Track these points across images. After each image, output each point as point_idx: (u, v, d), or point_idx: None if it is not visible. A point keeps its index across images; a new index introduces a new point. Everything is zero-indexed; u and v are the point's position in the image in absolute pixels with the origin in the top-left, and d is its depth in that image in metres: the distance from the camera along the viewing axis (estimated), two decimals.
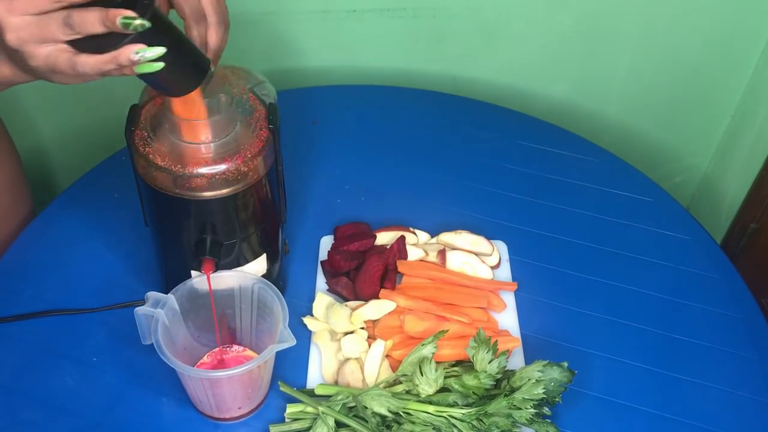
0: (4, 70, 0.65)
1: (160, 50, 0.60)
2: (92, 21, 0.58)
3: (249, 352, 0.86)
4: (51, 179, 1.54)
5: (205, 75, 0.70)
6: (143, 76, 0.64)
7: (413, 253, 0.98)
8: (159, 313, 0.76)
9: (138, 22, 0.58)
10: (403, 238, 0.98)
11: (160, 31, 0.61)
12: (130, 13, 0.58)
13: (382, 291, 0.92)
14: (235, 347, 0.87)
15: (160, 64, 0.61)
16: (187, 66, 0.68)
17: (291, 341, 0.74)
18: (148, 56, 0.60)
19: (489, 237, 1.01)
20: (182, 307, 0.80)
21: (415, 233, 1.01)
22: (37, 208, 1.10)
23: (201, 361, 0.85)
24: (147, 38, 0.60)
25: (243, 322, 0.85)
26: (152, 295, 0.77)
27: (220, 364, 0.85)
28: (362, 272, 0.93)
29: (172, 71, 0.65)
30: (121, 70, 0.61)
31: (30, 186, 1.13)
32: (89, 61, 0.59)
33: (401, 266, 0.96)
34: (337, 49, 1.42)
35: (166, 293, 0.78)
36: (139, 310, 0.77)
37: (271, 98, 0.81)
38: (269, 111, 0.79)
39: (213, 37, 0.72)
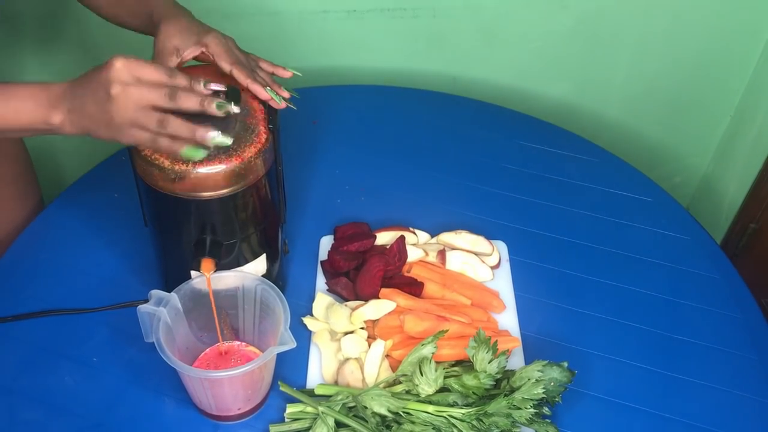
0: (57, 117, 0.70)
1: (228, 141, 0.71)
2: (193, 100, 0.70)
3: (252, 348, 0.86)
4: (60, 174, 1.53)
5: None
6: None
7: (413, 253, 0.98)
8: (161, 312, 0.76)
9: (232, 108, 0.71)
10: (402, 238, 0.98)
11: (232, 125, 0.75)
12: (224, 101, 0.71)
13: (382, 291, 0.92)
14: (237, 343, 0.87)
15: (203, 154, 0.71)
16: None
17: (291, 344, 0.74)
18: (217, 140, 0.70)
19: (489, 237, 1.01)
20: (185, 306, 0.80)
21: (415, 233, 1.01)
22: (47, 203, 1.10)
23: (203, 352, 0.85)
24: (219, 125, 0.71)
25: (246, 322, 0.85)
26: (155, 293, 0.78)
27: (221, 358, 0.85)
28: (363, 272, 0.93)
29: None
30: (169, 146, 0.70)
31: (39, 181, 1.13)
32: (178, 124, 0.69)
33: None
34: (337, 49, 1.42)
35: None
36: (142, 308, 0.77)
37: None
38: (269, 111, 0.79)
39: (280, 71, 0.86)
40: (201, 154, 0.71)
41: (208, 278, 0.79)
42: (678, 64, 1.46)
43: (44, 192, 1.16)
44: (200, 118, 0.71)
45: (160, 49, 0.83)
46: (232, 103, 0.71)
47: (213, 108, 0.70)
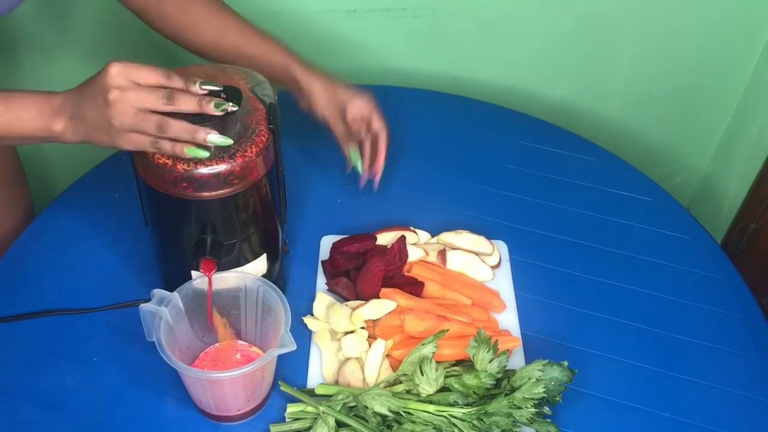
0: (59, 125, 0.71)
1: (229, 141, 0.72)
2: (191, 100, 0.69)
3: (254, 348, 0.86)
4: (51, 179, 1.54)
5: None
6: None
7: (413, 253, 0.98)
8: (163, 311, 0.76)
9: (230, 106, 0.71)
10: (403, 238, 0.97)
11: (232, 125, 0.75)
12: (222, 100, 0.71)
13: (383, 291, 0.92)
14: (239, 342, 0.86)
15: (207, 153, 0.71)
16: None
17: (292, 346, 0.74)
18: (217, 141, 0.71)
19: (489, 237, 1.01)
20: (187, 306, 0.80)
21: (416, 232, 1.01)
22: (38, 209, 1.10)
23: (204, 352, 0.85)
24: (219, 125, 0.71)
25: (247, 323, 0.85)
26: (157, 292, 0.78)
27: (223, 358, 0.85)
28: (363, 272, 0.93)
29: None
30: (171, 149, 0.71)
31: (29, 185, 1.13)
32: (177, 125, 0.69)
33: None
34: (337, 49, 1.42)
35: None
36: (144, 307, 0.77)
37: (271, 98, 0.81)
38: (269, 111, 0.79)
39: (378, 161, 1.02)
40: (205, 153, 0.71)
41: (209, 277, 0.79)
42: (678, 64, 1.47)
43: (34, 196, 1.15)
44: (200, 117, 0.71)
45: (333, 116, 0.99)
46: (230, 102, 0.71)
47: (211, 108, 0.70)
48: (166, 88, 0.69)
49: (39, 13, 1.31)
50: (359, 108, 0.99)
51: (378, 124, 1.00)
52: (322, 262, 0.98)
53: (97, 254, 0.99)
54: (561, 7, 1.38)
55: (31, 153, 1.47)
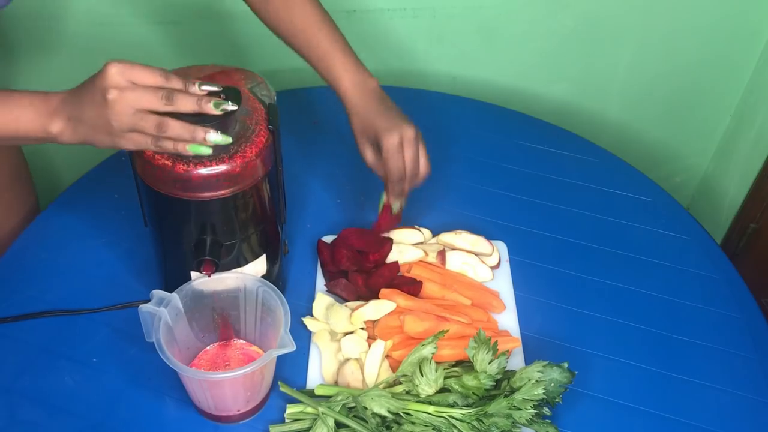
0: (56, 126, 0.70)
1: (229, 140, 0.71)
2: (190, 100, 0.69)
3: (254, 348, 0.86)
4: (55, 178, 1.54)
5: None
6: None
7: (413, 253, 0.98)
8: (162, 312, 0.76)
9: (229, 105, 0.70)
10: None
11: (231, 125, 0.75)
12: (221, 99, 0.71)
13: (382, 291, 0.92)
14: (239, 342, 0.86)
15: (209, 150, 0.71)
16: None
17: (291, 347, 0.74)
18: (217, 140, 0.70)
19: (489, 237, 1.01)
20: (186, 307, 0.80)
21: (420, 230, 1.01)
22: (42, 208, 1.10)
23: (204, 351, 0.86)
24: (218, 124, 0.71)
25: (247, 323, 0.85)
26: (157, 293, 0.78)
27: (222, 358, 0.85)
28: (381, 269, 0.94)
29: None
30: (174, 147, 0.70)
31: (35, 184, 1.13)
32: (176, 125, 0.69)
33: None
34: None
35: None
36: (143, 308, 0.77)
37: (271, 98, 0.81)
38: (269, 111, 0.79)
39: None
40: (207, 149, 0.71)
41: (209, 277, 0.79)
42: (678, 64, 1.47)
43: (40, 195, 1.15)
44: (199, 118, 0.71)
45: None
46: (230, 102, 0.71)
47: (210, 108, 0.70)
48: (164, 88, 0.69)
49: (36, 12, 1.31)
50: (390, 144, 0.89)
51: (411, 166, 0.90)
52: (322, 258, 0.98)
53: (97, 254, 0.99)
54: (561, 7, 1.38)
55: (36, 152, 1.47)
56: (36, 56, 1.37)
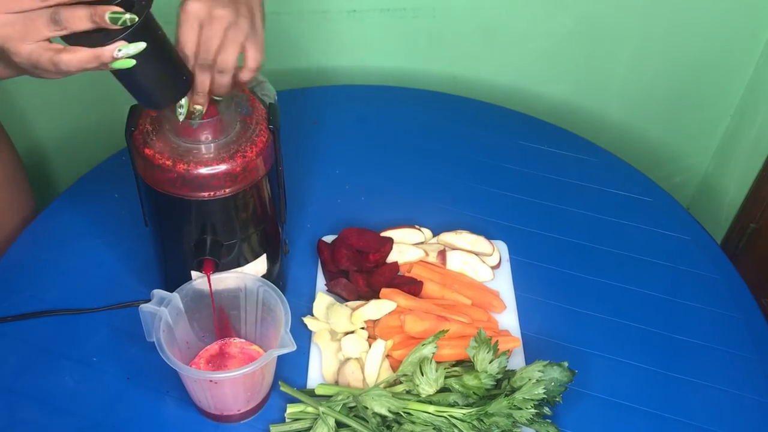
0: None
1: (141, 45, 0.60)
2: (80, 17, 0.58)
3: (254, 347, 0.86)
4: (51, 179, 1.54)
5: (186, 90, 0.69)
6: (122, 78, 0.64)
7: (413, 253, 0.98)
8: (162, 311, 0.76)
9: (127, 16, 0.58)
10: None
11: (145, 33, 0.61)
12: (118, 9, 0.58)
13: (383, 291, 0.92)
14: (239, 341, 0.86)
15: (133, 61, 0.60)
16: (167, 74, 0.66)
17: (291, 347, 0.74)
18: (129, 52, 0.59)
19: (489, 237, 1.01)
20: (187, 307, 0.80)
21: (421, 230, 1.01)
22: (39, 209, 1.10)
23: (204, 350, 0.86)
24: (131, 39, 0.60)
25: (248, 323, 0.85)
26: (157, 292, 0.78)
27: (223, 357, 0.85)
28: (382, 269, 0.94)
29: (150, 76, 0.64)
30: (103, 66, 0.60)
31: (35, 185, 1.13)
32: (72, 60, 0.59)
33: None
34: (337, 49, 1.42)
35: None
36: (144, 307, 0.77)
37: (271, 98, 0.81)
38: (269, 111, 0.79)
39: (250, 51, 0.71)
40: (129, 63, 0.60)
41: (209, 278, 0.79)
42: (678, 64, 1.46)
43: (39, 196, 1.15)
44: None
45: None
46: (128, 13, 0.59)
47: (106, 20, 0.58)
48: (44, 8, 0.58)
49: None
50: (190, 9, 0.68)
51: (207, 46, 0.69)
52: (322, 256, 0.98)
53: (97, 254, 0.99)
54: (561, 7, 1.38)
55: (36, 153, 1.47)
56: None
